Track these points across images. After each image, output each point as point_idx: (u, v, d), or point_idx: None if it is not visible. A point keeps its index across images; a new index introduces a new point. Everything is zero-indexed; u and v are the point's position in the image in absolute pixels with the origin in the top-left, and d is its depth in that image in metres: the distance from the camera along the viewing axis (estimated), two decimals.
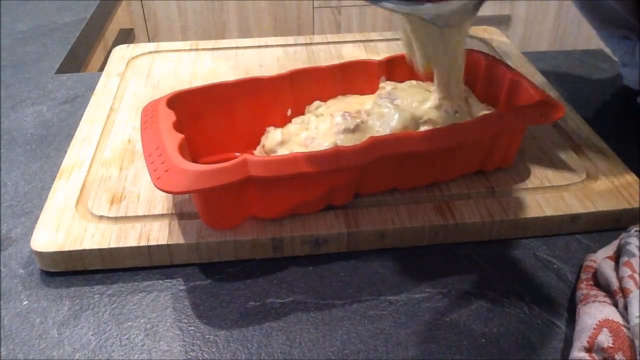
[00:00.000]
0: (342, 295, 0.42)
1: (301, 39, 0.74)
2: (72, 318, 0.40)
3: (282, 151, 0.49)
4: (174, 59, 0.70)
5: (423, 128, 0.48)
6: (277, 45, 0.73)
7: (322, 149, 0.45)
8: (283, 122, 0.53)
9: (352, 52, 0.71)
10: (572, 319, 0.40)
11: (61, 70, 0.75)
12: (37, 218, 0.46)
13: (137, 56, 0.70)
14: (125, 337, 0.39)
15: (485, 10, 1.60)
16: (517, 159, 0.51)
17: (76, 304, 0.41)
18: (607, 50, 0.77)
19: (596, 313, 0.37)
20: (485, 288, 0.42)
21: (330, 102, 0.54)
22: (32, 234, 0.44)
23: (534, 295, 0.42)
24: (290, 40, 0.74)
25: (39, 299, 0.42)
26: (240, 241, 0.44)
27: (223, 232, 0.44)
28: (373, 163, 0.43)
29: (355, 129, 0.47)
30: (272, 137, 0.50)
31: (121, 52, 0.72)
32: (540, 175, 0.50)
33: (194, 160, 0.45)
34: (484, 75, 0.55)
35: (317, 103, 0.53)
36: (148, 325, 0.40)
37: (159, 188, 0.40)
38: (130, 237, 0.44)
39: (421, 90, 0.52)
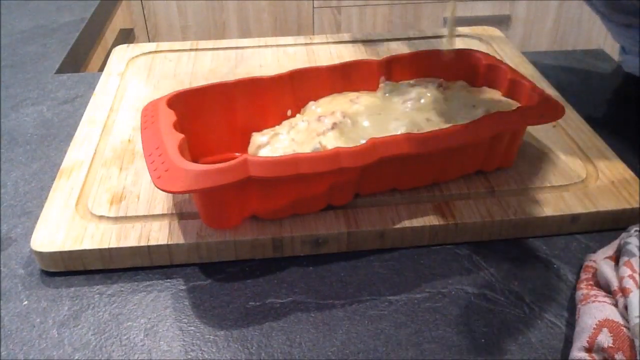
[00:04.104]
0: (342, 295, 0.42)
1: (301, 39, 0.74)
2: (72, 318, 0.40)
3: (263, 153, 0.49)
4: (174, 59, 0.70)
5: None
6: (277, 45, 0.73)
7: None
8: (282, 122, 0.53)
9: (352, 52, 0.71)
10: (572, 319, 0.40)
11: (61, 70, 0.75)
12: (37, 218, 0.46)
13: (137, 56, 0.70)
14: (125, 337, 0.39)
15: (485, 10, 1.61)
16: (517, 159, 0.51)
17: (76, 304, 0.41)
18: (607, 50, 0.77)
19: (596, 313, 0.37)
20: (485, 288, 0.42)
21: (321, 101, 0.53)
22: (32, 234, 0.44)
23: (534, 295, 0.42)
24: (290, 40, 0.74)
25: (39, 299, 0.42)
26: (240, 241, 0.44)
27: (223, 232, 0.44)
28: (373, 164, 0.43)
29: (333, 127, 0.48)
30: (254, 141, 0.50)
31: (121, 52, 0.71)
32: (540, 175, 0.50)
33: (194, 160, 0.45)
34: (484, 75, 0.55)
35: (311, 103, 0.53)
36: (148, 325, 0.40)
37: (159, 188, 0.40)
38: (130, 237, 0.44)
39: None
